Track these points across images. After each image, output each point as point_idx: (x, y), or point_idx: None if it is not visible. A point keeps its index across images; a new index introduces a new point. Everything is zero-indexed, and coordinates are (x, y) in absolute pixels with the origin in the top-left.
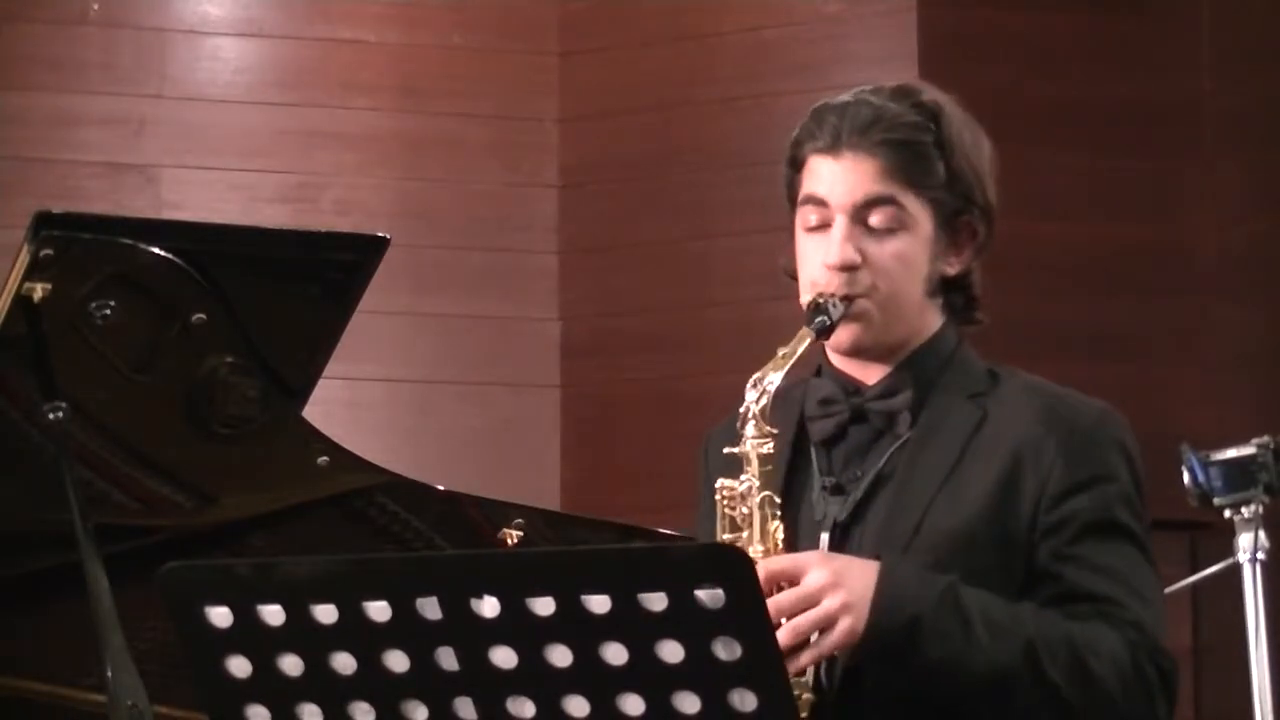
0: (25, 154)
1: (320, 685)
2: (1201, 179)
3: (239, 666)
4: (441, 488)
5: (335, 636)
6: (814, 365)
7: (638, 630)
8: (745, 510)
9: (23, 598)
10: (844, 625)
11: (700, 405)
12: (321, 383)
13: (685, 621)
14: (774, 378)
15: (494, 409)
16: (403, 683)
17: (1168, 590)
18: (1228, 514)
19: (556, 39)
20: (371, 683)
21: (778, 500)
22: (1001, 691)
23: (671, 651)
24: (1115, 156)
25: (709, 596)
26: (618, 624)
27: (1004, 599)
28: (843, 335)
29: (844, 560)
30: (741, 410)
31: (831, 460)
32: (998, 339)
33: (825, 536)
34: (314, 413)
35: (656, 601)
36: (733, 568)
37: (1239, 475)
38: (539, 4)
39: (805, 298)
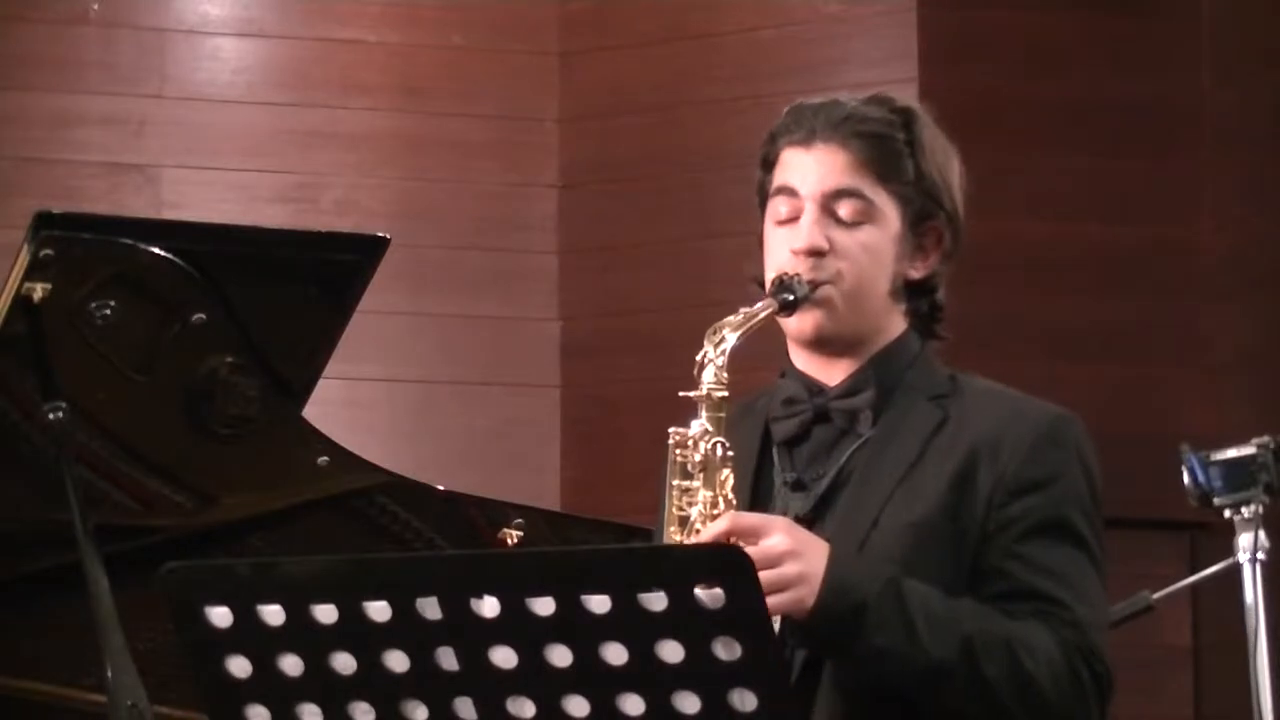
0: (25, 154)
1: (320, 685)
2: (1201, 179)
3: (239, 666)
4: (441, 488)
5: (335, 636)
6: (779, 371)
7: (638, 630)
8: (697, 457)
9: (23, 598)
10: (796, 593)
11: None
12: (321, 383)
13: (685, 621)
14: (731, 337)
15: (494, 409)
16: (403, 683)
17: (1168, 590)
18: (1228, 514)
19: (556, 39)
20: (371, 683)
21: (729, 446)
22: (937, 684)
23: (671, 651)
24: (1115, 156)
25: (709, 596)
26: (618, 624)
27: (951, 594)
28: (806, 321)
29: (806, 534)
30: (698, 357)
31: (795, 460)
32: (997, 338)
33: None
34: (314, 413)
35: (656, 601)
36: (733, 568)
37: (1239, 475)
38: (539, 4)
39: (770, 276)
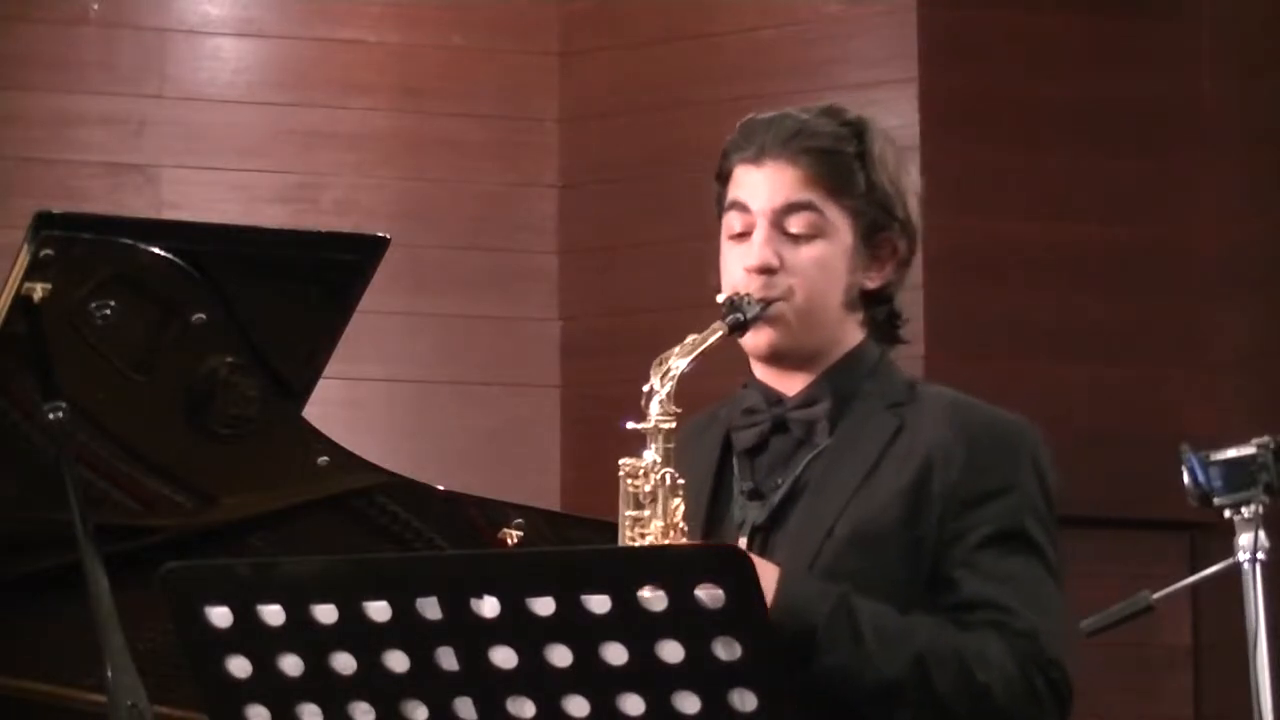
0: (25, 154)
1: (320, 685)
2: (1201, 179)
3: (239, 666)
4: (441, 488)
5: (335, 636)
6: (743, 381)
7: (638, 630)
8: (648, 487)
9: (23, 598)
10: None
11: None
12: (321, 383)
13: (685, 621)
14: (678, 363)
15: (494, 409)
16: (403, 683)
17: (1168, 590)
18: (1228, 514)
19: (556, 39)
20: (371, 683)
21: (679, 477)
22: (889, 700)
23: (671, 651)
24: (1115, 156)
25: (709, 596)
26: (618, 624)
27: (907, 602)
28: (760, 338)
29: (755, 560)
30: (645, 389)
31: (754, 469)
32: (997, 338)
33: (743, 541)
34: (314, 413)
35: (656, 601)
36: (733, 568)
37: (1239, 475)
38: (539, 4)
39: (725, 291)
